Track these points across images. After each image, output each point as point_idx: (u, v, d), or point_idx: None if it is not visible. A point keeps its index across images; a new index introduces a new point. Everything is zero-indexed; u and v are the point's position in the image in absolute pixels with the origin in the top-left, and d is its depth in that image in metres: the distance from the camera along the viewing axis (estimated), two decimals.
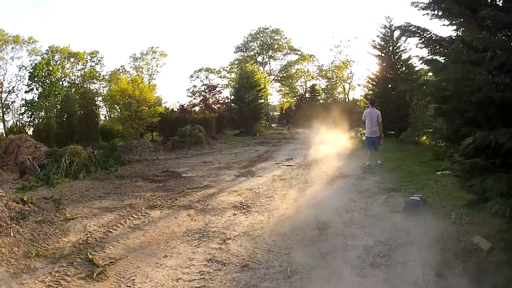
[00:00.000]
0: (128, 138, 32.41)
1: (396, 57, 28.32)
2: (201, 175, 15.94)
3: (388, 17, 28.43)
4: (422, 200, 9.08)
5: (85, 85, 49.12)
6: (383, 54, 29.08)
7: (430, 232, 7.48)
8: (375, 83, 30.71)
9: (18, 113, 46.44)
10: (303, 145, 28.43)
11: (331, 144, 25.28)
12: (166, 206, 10.79)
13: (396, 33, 27.09)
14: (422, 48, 7.27)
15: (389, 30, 28.13)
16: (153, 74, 61.85)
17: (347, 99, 63.51)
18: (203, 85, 59.26)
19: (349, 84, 62.61)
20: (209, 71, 65.89)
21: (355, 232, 8.10)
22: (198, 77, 63.16)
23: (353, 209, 9.66)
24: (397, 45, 28.26)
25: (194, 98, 57.86)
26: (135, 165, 19.43)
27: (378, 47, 29.03)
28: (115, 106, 34.16)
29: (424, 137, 21.20)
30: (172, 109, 46.02)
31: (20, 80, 47.77)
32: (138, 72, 59.71)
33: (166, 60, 64.59)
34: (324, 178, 14.05)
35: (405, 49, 27.88)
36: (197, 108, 52.27)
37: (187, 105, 51.79)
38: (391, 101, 26.43)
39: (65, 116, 31.81)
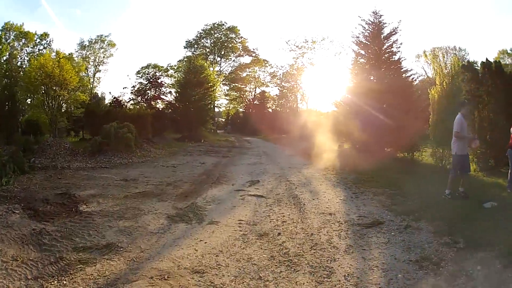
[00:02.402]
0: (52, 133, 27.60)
1: (383, 58, 23.45)
2: (110, 209, 9.81)
3: (377, 13, 23.41)
4: None
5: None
6: (368, 54, 24.04)
7: None
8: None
9: None
10: (263, 158, 22.99)
11: (297, 156, 23.24)
12: None
13: (386, 31, 23.16)
14: None
15: (376, 28, 23.46)
16: (99, 65, 58.49)
17: (303, 108, 56.96)
18: (148, 81, 51.64)
19: (302, 94, 56.15)
20: (157, 68, 60.39)
21: None
22: (145, 74, 55.96)
23: None
24: (385, 45, 23.40)
25: (138, 97, 50.02)
26: (37, 174, 15.34)
27: (362, 45, 24.16)
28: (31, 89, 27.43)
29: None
30: (110, 103, 39.90)
31: None
32: (85, 61, 55.11)
33: (114, 51, 60.42)
34: (340, 230, 8.05)
35: (395, 50, 23.27)
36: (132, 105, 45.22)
37: (125, 100, 45.25)
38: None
39: None
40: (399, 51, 22.93)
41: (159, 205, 10.10)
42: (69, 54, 49.94)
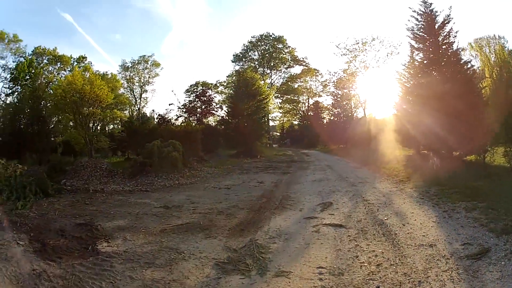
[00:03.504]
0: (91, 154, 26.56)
1: (441, 51, 21.69)
2: (138, 250, 7.60)
3: (426, 2, 22.02)
4: None
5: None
6: (426, 47, 22.38)
7: None
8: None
9: None
10: (328, 173, 20.53)
11: (364, 168, 21.25)
12: None
13: (440, 20, 21.53)
14: None
15: (428, 18, 21.95)
16: (144, 85, 58.26)
17: (360, 115, 53.78)
18: (196, 97, 50.27)
19: (358, 100, 52.92)
20: (206, 85, 58.75)
21: None
22: (194, 92, 54.39)
23: None
24: (441, 35, 21.77)
25: (186, 113, 48.87)
26: (62, 198, 13.92)
27: (418, 38, 22.54)
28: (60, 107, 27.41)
29: None
30: (158, 120, 39.02)
31: (2, 81, 45.60)
32: (129, 83, 57.07)
33: (159, 71, 60.06)
34: (450, 270, 6.08)
35: (452, 40, 21.47)
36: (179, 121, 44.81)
37: (171, 117, 44.67)
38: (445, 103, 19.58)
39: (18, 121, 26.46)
40: (455, 41, 21.31)
41: (206, 244, 7.75)
42: (108, 72, 51.04)
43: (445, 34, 21.45)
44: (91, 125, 24.91)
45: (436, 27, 21.60)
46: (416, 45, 22.70)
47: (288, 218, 9.71)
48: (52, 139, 32.29)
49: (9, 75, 45.20)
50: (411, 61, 23.13)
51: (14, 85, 44.51)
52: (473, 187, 11.88)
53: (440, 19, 21.35)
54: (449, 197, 11.17)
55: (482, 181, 12.77)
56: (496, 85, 18.54)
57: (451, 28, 21.01)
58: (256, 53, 69.00)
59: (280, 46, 68.59)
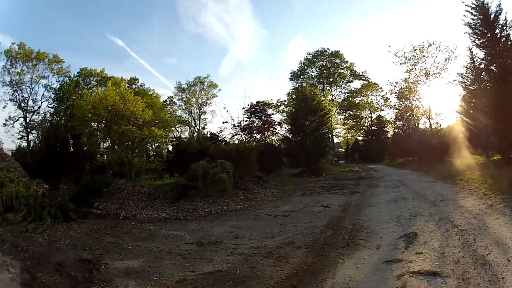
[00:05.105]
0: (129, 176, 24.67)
1: (501, 44, 21.62)
2: None
3: None
4: None
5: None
6: (487, 42, 22.36)
7: None
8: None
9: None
10: (402, 190, 18.12)
11: (440, 182, 19.23)
12: None
13: (492, 9, 21.85)
14: None
15: (482, 10, 22.24)
16: (202, 106, 60.77)
17: (425, 126, 50.50)
18: (252, 113, 49.62)
19: (423, 110, 49.66)
20: (267, 105, 55.99)
21: None
22: (254, 112, 52.53)
23: None
24: (497, 27, 21.83)
25: (242, 132, 47.93)
26: (84, 224, 12.76)
27: (478, 33, 22.75)
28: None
29: None
30: (211, 139, 40.08)
31: (46, 100, 48.07)
32: (187, 105, 59.88)
33: (216, 92, 62.52)
34: None
35: (508, 32, 21.48)
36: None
37: (225, 135, 45.20)
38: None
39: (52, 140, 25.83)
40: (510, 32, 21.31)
41: None
42: (168, 97, 54.25)
43: (500, 26, 21.41)
44: (126, 143, 23.86)
45: (491, 19, 21.60)
46: (477, 41, 22.66)
47: (362, 263, 6.94)
48: (99, 158, 32.78)
49: (53, 94, 47.58)
50: (471, 61, 23.74)
51: (59, 105, 45.73)
52: None
53: (492, 10, 21.63)
54: None
55: None
56: None
57: (505, 19, 21.09)
58: (313, 69, 68.96)
59: (338, 61, 68.24)
